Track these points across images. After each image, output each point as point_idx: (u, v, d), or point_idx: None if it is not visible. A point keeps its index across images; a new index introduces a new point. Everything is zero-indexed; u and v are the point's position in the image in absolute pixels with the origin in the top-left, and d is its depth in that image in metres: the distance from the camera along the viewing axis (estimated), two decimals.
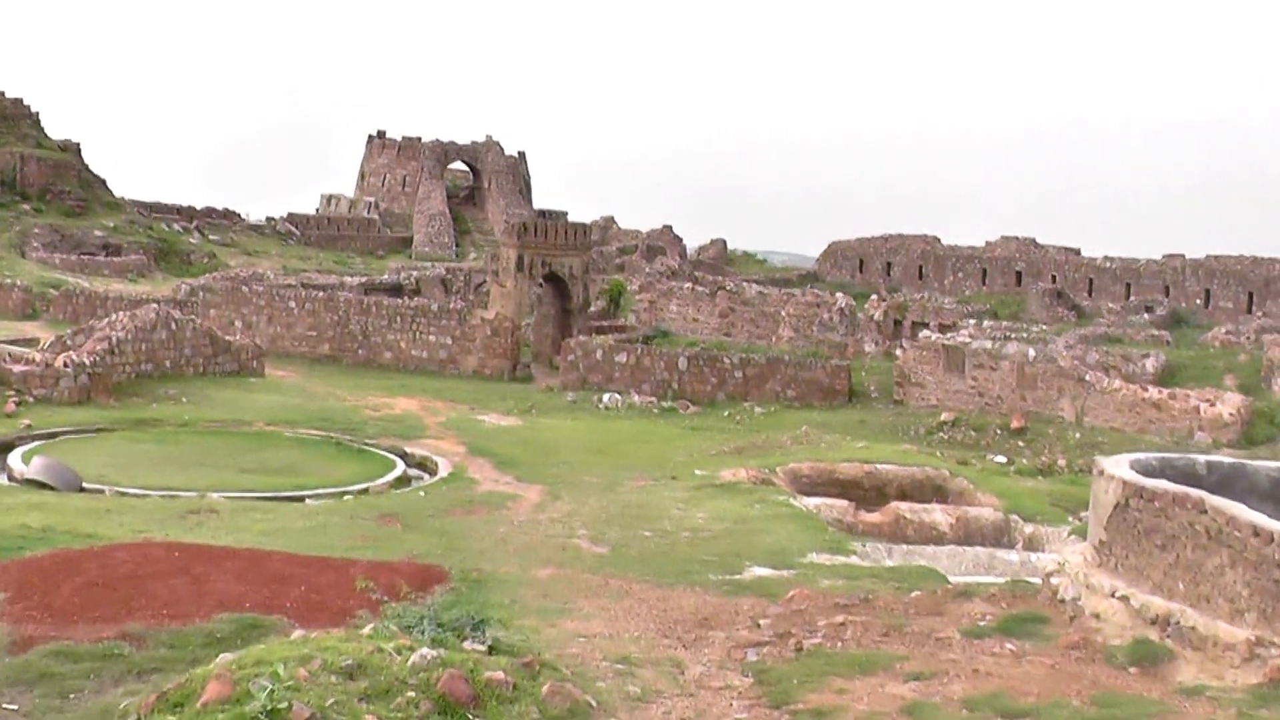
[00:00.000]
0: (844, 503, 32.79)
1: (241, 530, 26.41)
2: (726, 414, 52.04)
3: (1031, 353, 51.60)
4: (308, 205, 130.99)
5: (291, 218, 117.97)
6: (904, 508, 32.69)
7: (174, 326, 49.99)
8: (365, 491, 34.07)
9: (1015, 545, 31.37)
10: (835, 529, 30.22)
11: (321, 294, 66.49)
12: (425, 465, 39.03)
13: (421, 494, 33.65)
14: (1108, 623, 16.64)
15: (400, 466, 37.74)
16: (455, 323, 62.20)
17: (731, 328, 71.21)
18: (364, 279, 78.56)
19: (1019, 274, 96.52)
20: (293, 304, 65.44)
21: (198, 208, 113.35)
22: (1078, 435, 47.95)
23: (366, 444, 40.96)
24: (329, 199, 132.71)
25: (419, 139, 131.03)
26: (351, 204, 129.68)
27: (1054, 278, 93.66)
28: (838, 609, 18.73)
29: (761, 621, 18.61)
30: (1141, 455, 19.47)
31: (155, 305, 51.52)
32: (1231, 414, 48.20)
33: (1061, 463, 42.42)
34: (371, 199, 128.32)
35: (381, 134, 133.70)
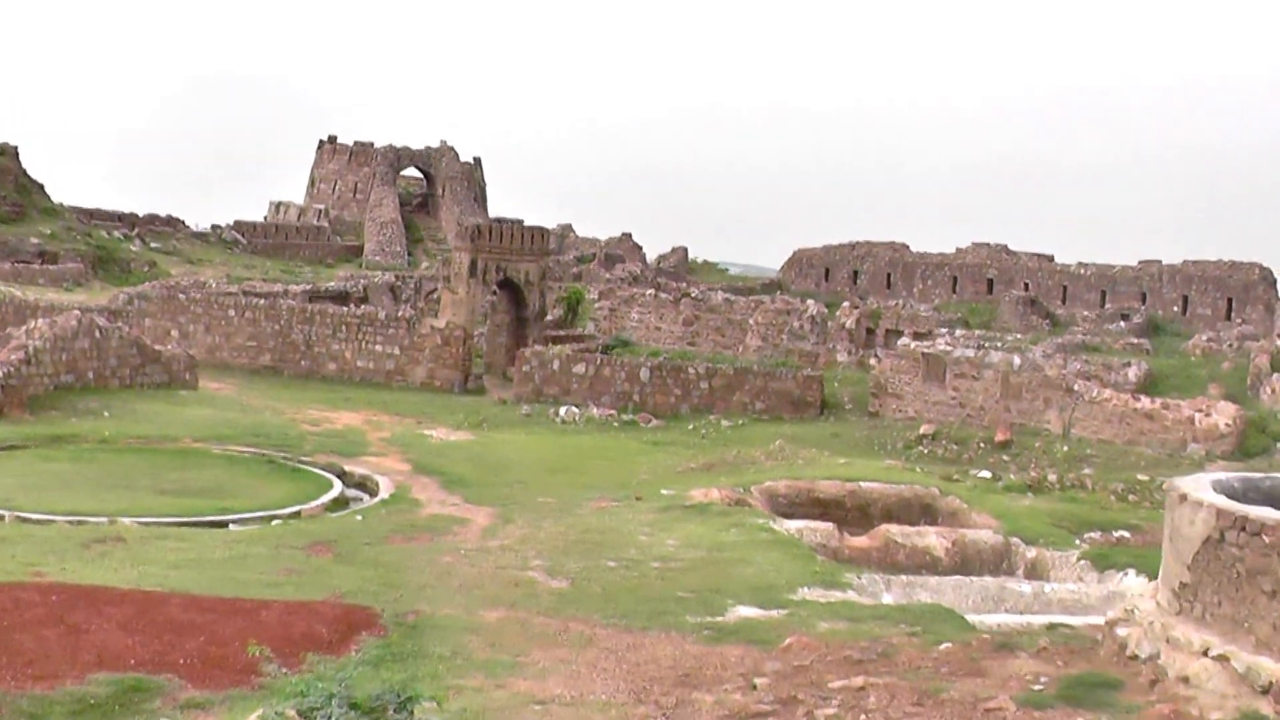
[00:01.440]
0: (828, 526, 29.58)
1: (149, 562, 23.07)
2: (691, 427, 49.17)
3: (1017, 361, 48.67)
4: (257, 213, 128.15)
5: (238, 225, 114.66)
6: (895, 531, 29.53)
7: (98, 335, 46.45)
8: (296, 515, 30.91)
9: (1017, 571, 28.33)
10: (821, 555, 27.08)
11: (262, 302, 63.27)
12: (366, 485, 35.91)
13: (359, 518, 30.44)
14: (1201, 690, 13.29)
15: (338, 487, 34.54)
16: (403, 332, 59.20)
17: (696, 336, 68.19)
18: (308, 286, 75.01)
19: (990, 281, 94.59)
20: (232, 312, 62.57)
21: (140, 214, 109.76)
22: (1066, 448, 45.18)
23: (302, 462, 37.74)
24: (278, 206, 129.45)
25: (371, 144, 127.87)
26: (301, 211, 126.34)
27: (1027, 285, 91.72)
28: (851, 666, 15.31)
29: (757, 680, 15.17)
30: (1220, 475, 16.12)
31: (77, 312, 47.93)
32: (1228, 424, 45.64)
33: (1052, 477, 39.35)
34: (321, 206, 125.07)
35: (332, 139, 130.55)
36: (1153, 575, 24.85)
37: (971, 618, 19.13)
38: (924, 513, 33.58)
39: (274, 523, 29.57)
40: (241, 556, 24.15)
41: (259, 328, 61.77)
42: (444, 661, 16.49)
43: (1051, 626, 17.91)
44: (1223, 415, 46.10)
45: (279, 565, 23.32)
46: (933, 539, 29.19)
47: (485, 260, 60.08)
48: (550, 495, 33.98)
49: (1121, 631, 15.15)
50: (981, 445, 45.53)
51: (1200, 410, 46.53)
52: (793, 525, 29.16)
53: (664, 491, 33.70)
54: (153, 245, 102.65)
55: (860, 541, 29.23)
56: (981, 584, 22.85)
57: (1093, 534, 30.80)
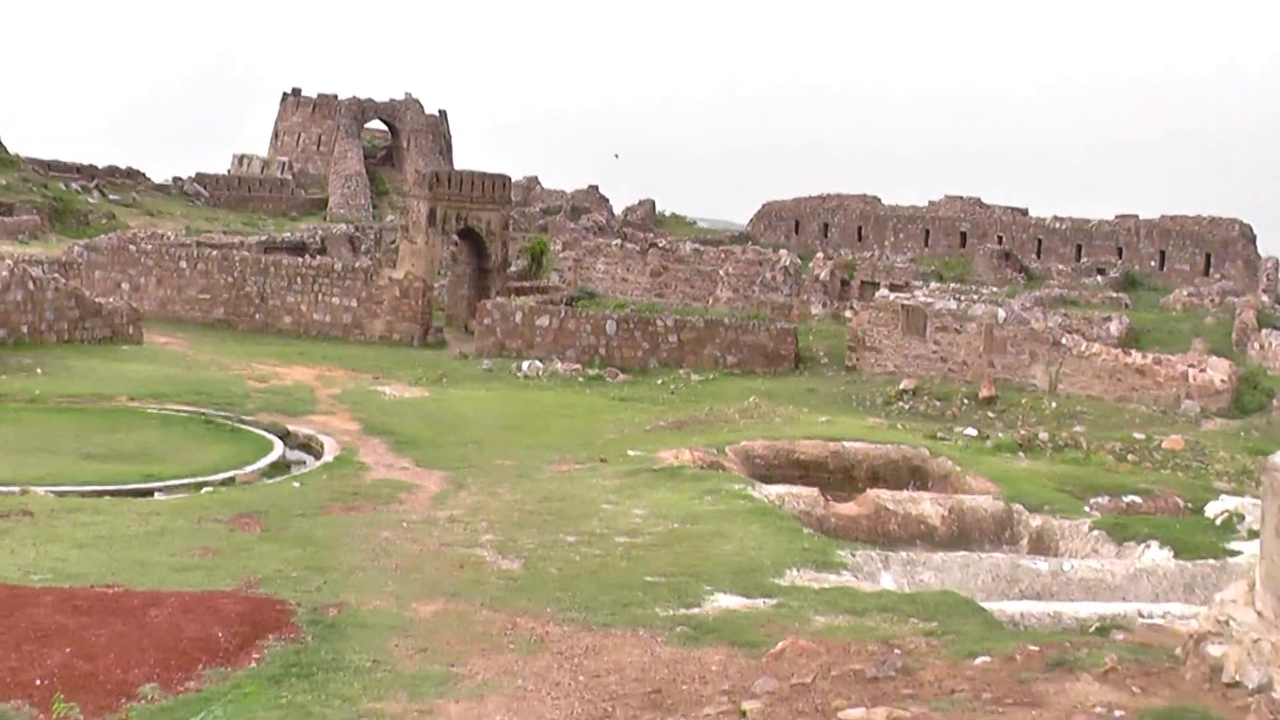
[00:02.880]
0: (811, 491, 27.04)
1: (53, 540, 20.44)
2: (660, 382, 46.83)
3: (1001, 314, 46.26)
4: (220, 166, 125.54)
5: (200, 178, 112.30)
6: (885, 497, 27.01)
7: (32, 287, 43.70)
8: (230, 482, 28.24)
9: (1021, 541, 25.89)
10: (805, 526, 24.59)
11: (215, 253, 60.68)
12: (310, 447, 33.36)
13: (296, 485, 27.75)
14: None
15: (278, 449, 31.91)
16: (361, 283, 56.77)
17: (664, 288, 65.75)
18: (264, 237, 72.30)
19: (964, 235, 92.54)
20: (184, 264, 60.32)
21: (100, 166, 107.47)
22: (1054, 404, 43.01)
23: (243, 422, 35.03)
24: (241, 159, 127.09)
25: (335, 96, 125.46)
26: (265, 164, 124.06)
27: (1001, 238, 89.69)
28: (865, 686, 12.22)
29: (747, 706, 12.28)
30: None
31: (9, 263, 45.12)
32: (1223, 380, 43.68)
33: (1043, 435, 37.01)
34: (285, 159, 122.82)
35: (296, 91, 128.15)
36: (1177, 548, 22.50)
37: (989, 606, 16.60)
38: (913, 475, 31.14)
39: (204, 490, 26.93)
40: (158, 532, 21.54)
41: (212, 280, 59.66)
42: (361, 676, 13.75)
43: (1104, 628, 15.25)
44: (1217, 371, 44.03)
45: (197, 543, 20.71)
46: (927, 506, 26.71)
47: (445, 209, 57.45)
48: (508, 457, 31.47)
49: (1214, 650, 11.67)
50: (965, 401, 43.33)
51: (1193, 366, 44.45)
52: (773, 491, 26.61)
53: (631, 452, 31.20)
54: (112, 198, 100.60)
55: (848, 509, 26.73)
56: (992, 562, 20.29)
57: (1100, 499, 28.42)
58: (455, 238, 59.33)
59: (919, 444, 32.74)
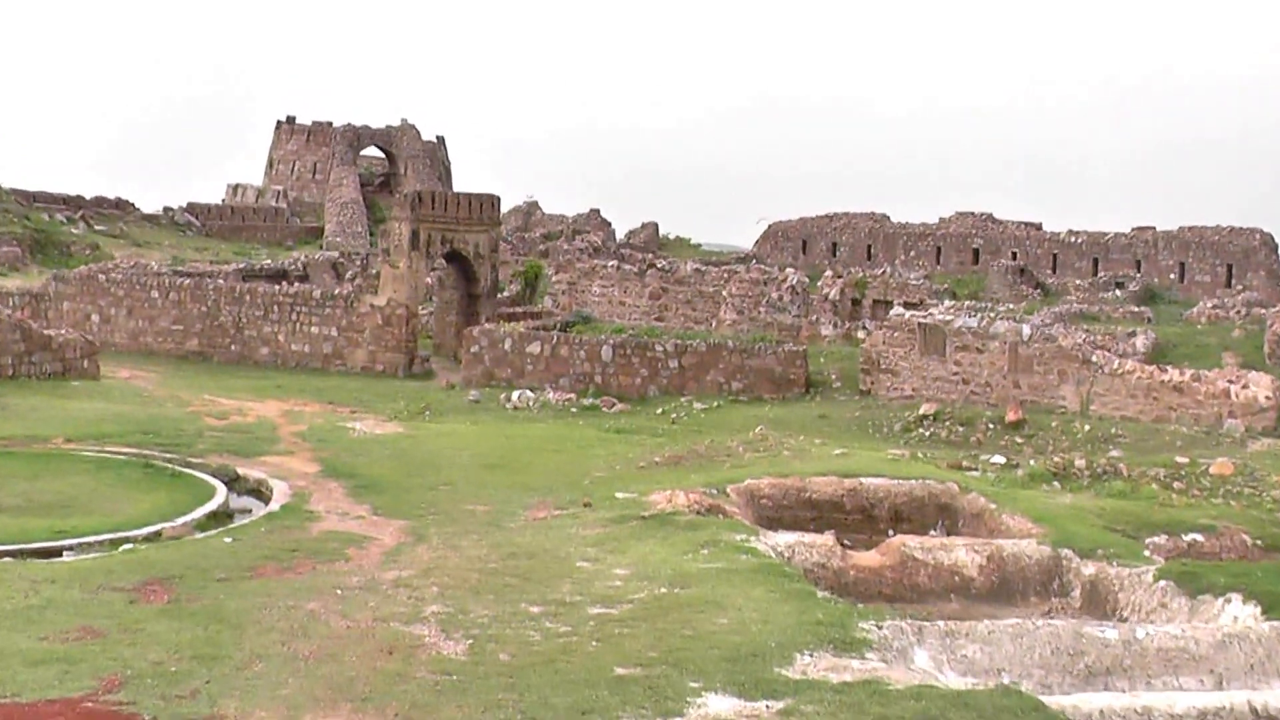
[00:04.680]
0: (825, 540, 23.26)
1: None
2: (660, 411, 43.33)
3: (1026, 330, 42.56)
4: (215, 196, 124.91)
5: (191, 208, 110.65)
6: (912, 545, 23.20)
7: None
8: (156, 537, 24.49)
9: (1072, 593, 22.18)
10: (819, 583, 20.84)
11: (188, 282, 57.32)
12: (260, 492, 29.70)
13: (228, 540, 23.97)
14: None
15: (220, 496, 28.16)
16: (341, 311, 53.43)
17: (664, 311, 62.16)
18: (243, 265, 68.98)
19: (976, 251, 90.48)
20: (155, 294, 57.45)
21: (87, 197, 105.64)
22: (1086, 427, 39.32)
23: (189, 465, 31.34)
24: (235, 188, 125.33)
25: (330, 123, 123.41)
26: (259, 193, 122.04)
27: (1015, 254, 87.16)
28: None
29: None
30: None
31: None
32: (1268, 397, 40.24)
33: (1079, 463, 33.16)
34: (280, 187, 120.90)
35: (291, 119, 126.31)
36: (1265, 603, 18.63)
37: (1059, 702, 12.85)
38: (941, 514, 27.35)
39: (122, 549, 23.28)
40: (41, 606, 17.86)
41: (185, 310, 56.81)
42: None
43: None
44: (1260, 387, 40.39)
45: (79, 622, 17.01)
46: (962, 553, 22.91)
47: (428, 230, 53.81)
48: (481, 501, 27.78)
49: None
50: (990, 426, 39.68)
51: (1234, 382, 40.82)
52: (781, 541, 22.81)
53: (620, 494, 27.36)
54: (98, 228, 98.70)
55: (869, 559, 22.96)
56: (1050, 631, 16.45)
57: (1157, 539, 24.55)
58: (441, 261, 55.70)
59: (947, 478, 28.87)
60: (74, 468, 30.45)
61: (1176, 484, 31.22)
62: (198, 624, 17.24)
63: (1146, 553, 23.28)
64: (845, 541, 24.13)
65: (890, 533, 26.86)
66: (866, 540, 25.94)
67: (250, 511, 27.76)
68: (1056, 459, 33.83)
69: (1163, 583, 20.56)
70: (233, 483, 29.98)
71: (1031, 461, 34.12)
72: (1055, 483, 31.73)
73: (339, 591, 19.50)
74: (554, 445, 35.97)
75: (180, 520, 25.72)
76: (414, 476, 30.69)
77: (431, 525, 25.32)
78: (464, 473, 31.29)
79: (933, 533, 26.63)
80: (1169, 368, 41.66)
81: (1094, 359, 41.27)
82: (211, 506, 27.12)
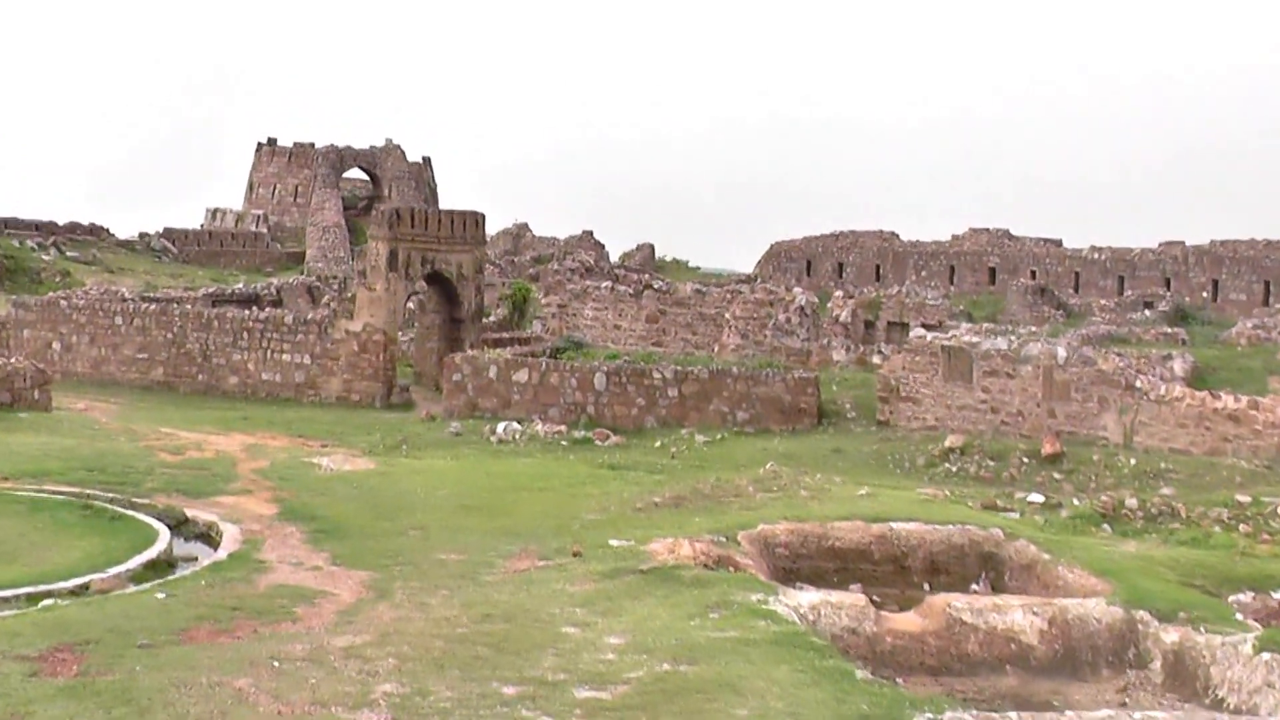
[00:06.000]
0: (856, 600, 19.67)
1: None
2: (659, 445, 39.85)
3: (1062, 353, 39.01)
4: (194, 221, 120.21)
5: (168, 233, 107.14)
6: (959, 605, 19.61)
7: None
8: (84, 590, 21.25)
9: (1152, 664, 18.62)
10: (848, 650, 17.31)
11: (153, 307, 53.94)
12: (209, 537, 26.38)
13: (161, 595, 20.51)
14: None
15: (162, 542, 24.73)
16: (315, 337, 50.04)
17: (662, 335, 58.65)
18: (212, 289, 65.58)
19: (993, 270, 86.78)
20: (119, 320, 54.16)
21: (60, 223, 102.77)
22: (1133, 461, 35.80)
23: (134, 505, 27.92)
24: (214, 213, 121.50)
25: (312, 145, 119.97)
26: (239, 218, 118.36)
27: (1034, 273, 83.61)
28: None
29: None
30: None
31: None
32: None
33: (1131, 502, 29.65)
34: (260, 212, 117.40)
35: (272, 141, 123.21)
36: None
37: None
38: (983, 564, 23.77)
39: (42, 604, 20.00)
40: None
41: (150, 337, 53.52)
42: None
43: None
44: None
45: None
46: (1018, 616, 19.34)
47: (408, 250, 50.17)
48: (456, 549, 24.32)
49: None
50: (1025, 460, 36.24)
51: None
52: (804, 601, 19.23)
53: (614, 542, 23.77)
54: (70, 254, 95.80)
55: (909, 622, 19.40)
56: None
57: (1242, 596, 21.01)
58: (422, 283, 52.18)
59: (989, 522, 25.25)
60: (4, 509, 27.08)
61: (1242, 526, 27.82)
62: (100, 706, 14.01)
63: (1239, 616, 19.69)
64: (875, 599, 20.59)
65: (926, 586, 23.41)
66: (899, 596, 22.55)
67: (196, 560, 24.52)
68: (1104, 498, 30.34)
69: (1266, 655, 16.96)
70: (180, 526, 26.84)
71: (1075, 501, 30.67)
72: (1106, 525, 28.35)
73: (276, 664, 16.02)
74: (541, 483, 32.52)
75: (113, 571, 22.54)
76: (382, 520, 27.33)
77: (397, 578, 21.97)
78: (438, 515, 27.92)
79: (975, 587, 23.16)
80: (1222, 393, 38.06)
81: (1138, 384, 37.74)
82: (151, 554, 23.85)
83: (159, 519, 26.77)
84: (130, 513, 27.28)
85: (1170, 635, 18.80)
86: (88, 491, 28.95)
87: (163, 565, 23.59)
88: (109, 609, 19.55)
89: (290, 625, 18.76)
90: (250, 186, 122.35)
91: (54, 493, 28.80)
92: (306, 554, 24.10)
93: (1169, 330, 59.64)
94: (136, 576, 22.48)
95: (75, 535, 25.21)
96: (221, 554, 24.36)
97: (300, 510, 28.06)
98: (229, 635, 18.08)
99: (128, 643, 17.22)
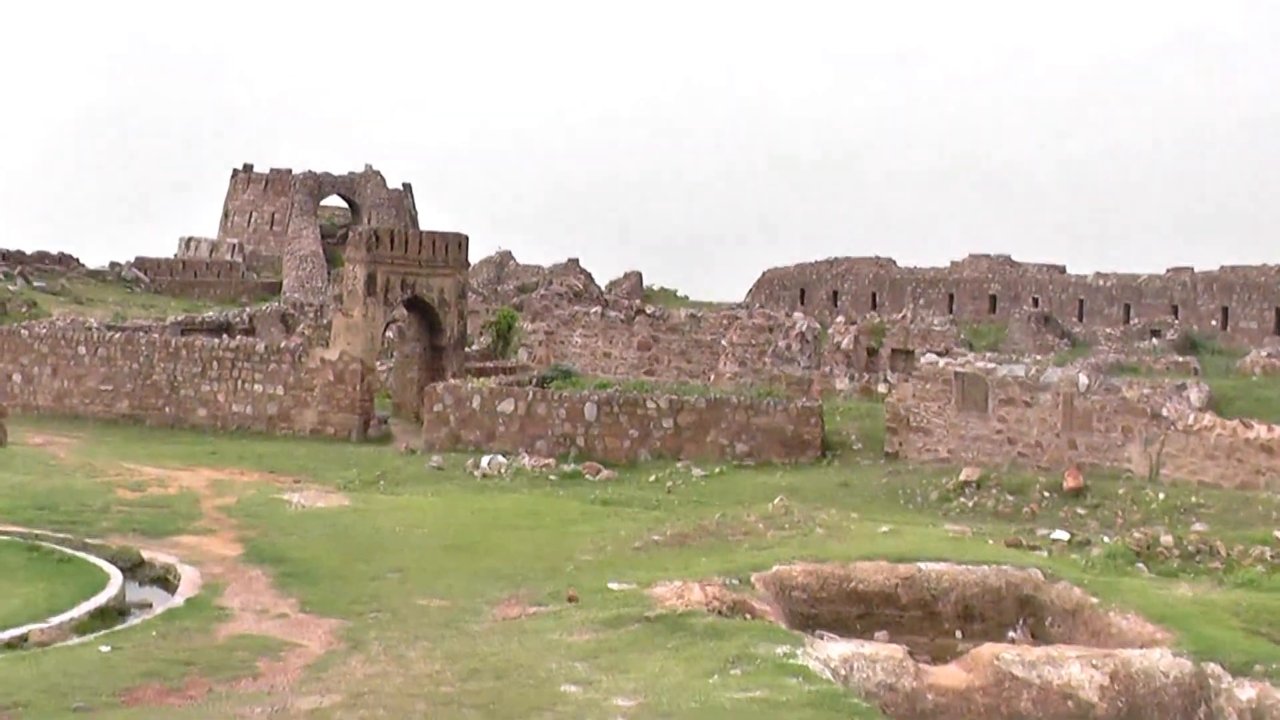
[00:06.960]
0: (893, 652, 17.34)
1: None
2: (653, 479, 37.58)
3: (1083, 380, 36.81)
4: (168, 250, 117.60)
5: (140, 262, 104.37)
6: (1009, 657, 17.29)
7: None
8: (22, 642, 19.10)
9: None
10: (885, 706, 15.15)
11: (119, 336, 51.67)
12: (167, 580, 24.29)
13: (106, 649, 18.28)
14: None
15: (114, 588, 22.51)
16: (288, 367, 47.80)
17: (655, 363, 56.44)
18: (181, 318, 63.23)
19: (994, 298, 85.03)
20: (82, 350, 52.13)
21: (28, 252, 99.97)
22: (1161, 495, 33.51)
23: (85, 546, 25.75)
24: (188, 242, 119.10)
25: (289, 171, 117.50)
26: (214, 247, 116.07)
27: (1036, 300, 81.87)
28: None
29: None
30: None
31: None
32: None
33: (1166, 539, 27.43)
34: (236, 240, 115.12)
35: (248, 167, 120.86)
36: None
37: None
38: (1021, 608, 21.49)
39: None
40: None
41: (115, 368, 51.21)
42: None
43: None
44: None
45: None
46: (1076, 669, 17.05)
47: (387, 274, 47.78)
48: (438, 593, 22.14)
49: None
50: (1045, 494, 34.00)
51: None
52: (834, 652, 16.92)
53: (614, 585, 21.50)
54: (37, 284, 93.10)
55: (952, 677, 17.10)
56: None
57: None
58: (401, 309, 49.86)
59: (1026, 562, 22.92)
60: None
61: None
62: None
63: None
64: (915, 656, 18.28)
65: (958, 634, 21.09)
66: (929, 644, 20.22)
67: (150, 606, 22.29)
68: (1136, 535, 28.09)
69: None
70: (135, 569, 24.83)
71: (1105, 538, 28.45)
72: (1141, 565, 26.11)
73: None
74: (528, 521, 30.35)
75: (55, 620, 20.41)
76: (357, 561, 25.14)
77: (372, 626, 19.82)
78: (418, 556, 25.76)
79: (1012, 634, 20.92)
80: (1254, 423, 35.85)
81: (1164, 413, 35.53)
82: (99, 601, 21.67)
83: (112, 561, 24.73)
84: (81, 554, 25.18)
85: (1246, 691, 16.66)
86: (35, 531, 26.97)
87: (112, 613, 21.45)
88: (46, 665, 17.42)
89: (250, 683, 16.60)
90: (225, 214, 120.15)
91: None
92: (272, 599, 21.96)
93: (1180, 359, 57.58)
94: (81, 626, 20.33)
95: (18, 580, 23.05)
96: (178, 600, 22.25)
97: (267, 551, 25.97)
98: (179, 695, 15.98)
99: (62, 705, 15.18)
